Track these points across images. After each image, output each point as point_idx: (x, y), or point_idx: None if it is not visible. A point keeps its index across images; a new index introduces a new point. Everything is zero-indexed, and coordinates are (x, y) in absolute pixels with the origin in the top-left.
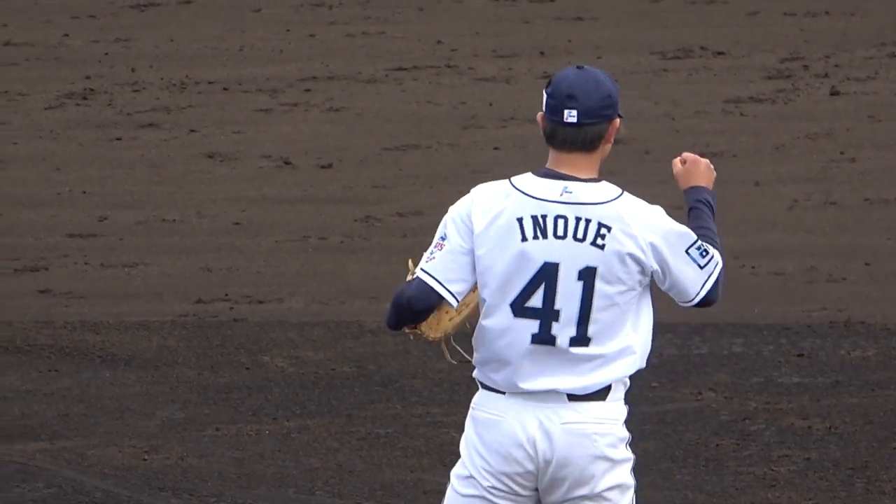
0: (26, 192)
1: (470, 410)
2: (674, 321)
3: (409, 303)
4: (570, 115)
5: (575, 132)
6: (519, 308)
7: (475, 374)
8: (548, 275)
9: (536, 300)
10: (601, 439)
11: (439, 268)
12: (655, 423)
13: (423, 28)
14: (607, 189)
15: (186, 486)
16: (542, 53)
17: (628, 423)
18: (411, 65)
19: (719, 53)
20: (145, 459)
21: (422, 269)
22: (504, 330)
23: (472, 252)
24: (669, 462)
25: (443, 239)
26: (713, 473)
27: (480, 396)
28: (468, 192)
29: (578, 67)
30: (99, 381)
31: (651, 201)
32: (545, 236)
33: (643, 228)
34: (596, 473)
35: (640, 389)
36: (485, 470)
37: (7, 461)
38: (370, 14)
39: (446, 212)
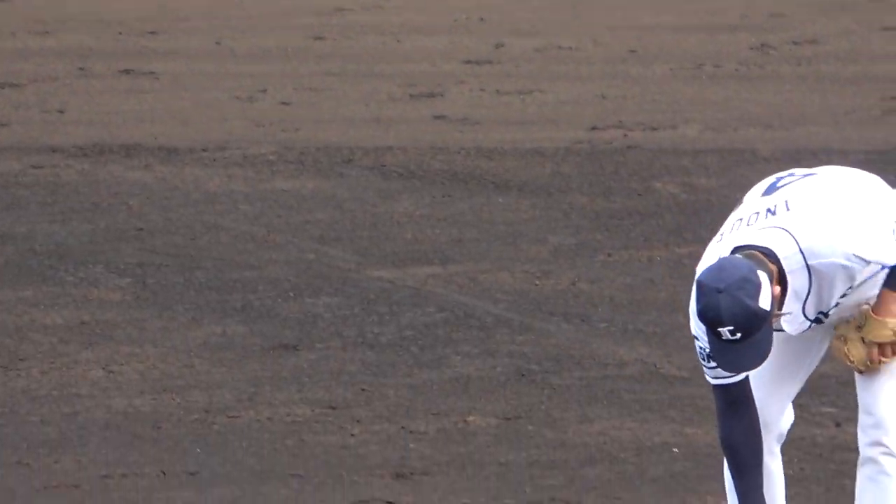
0: (424, 18)
1: None
2: None
3: None
4: None
5: None
6: None
7: None
8: None
9: None
10: None
11: None
12: None
13: None
14: None
15: (577, 310)
16: None
17: None
18: None
19: None
20: (536, 284)
21: None
22: None
23: None
24: None
25: None
26: None
27: None
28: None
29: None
30: (492, 207)
31: None
32: None
33: None
34: None
35: None
36: None
37: (400, 286)
38: None
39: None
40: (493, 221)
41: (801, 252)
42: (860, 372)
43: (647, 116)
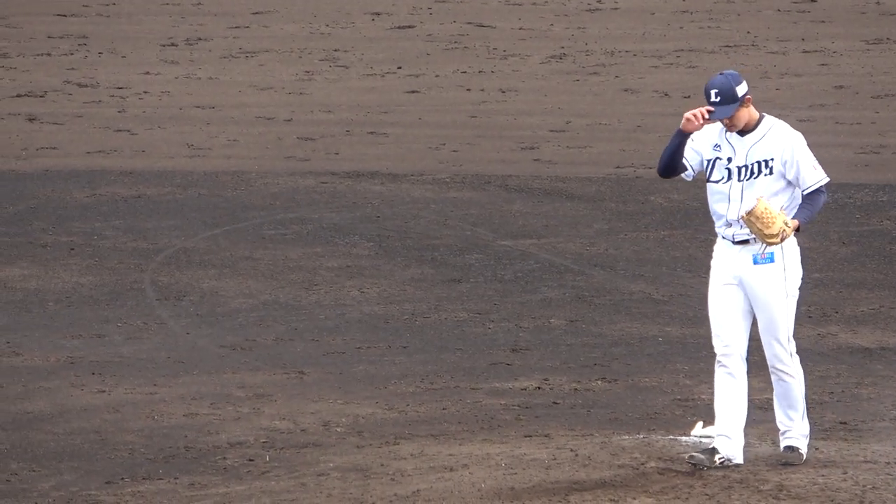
0: None
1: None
2: None
3: None
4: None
5: None
6: None
7: None
8: None
9: None
10: None
11: None
12: None
13: None
14: None
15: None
16: None
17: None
18: None
19: None
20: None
21: None
22: None
23: None
24: None
25: None
26: None
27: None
28: None
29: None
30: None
31: None
32: None
33: None
34: None
35: None
36: None
37: (511, 250)
38: None
39: None
40: None
41: (774, 119)
42: (770, 241)
43: None
